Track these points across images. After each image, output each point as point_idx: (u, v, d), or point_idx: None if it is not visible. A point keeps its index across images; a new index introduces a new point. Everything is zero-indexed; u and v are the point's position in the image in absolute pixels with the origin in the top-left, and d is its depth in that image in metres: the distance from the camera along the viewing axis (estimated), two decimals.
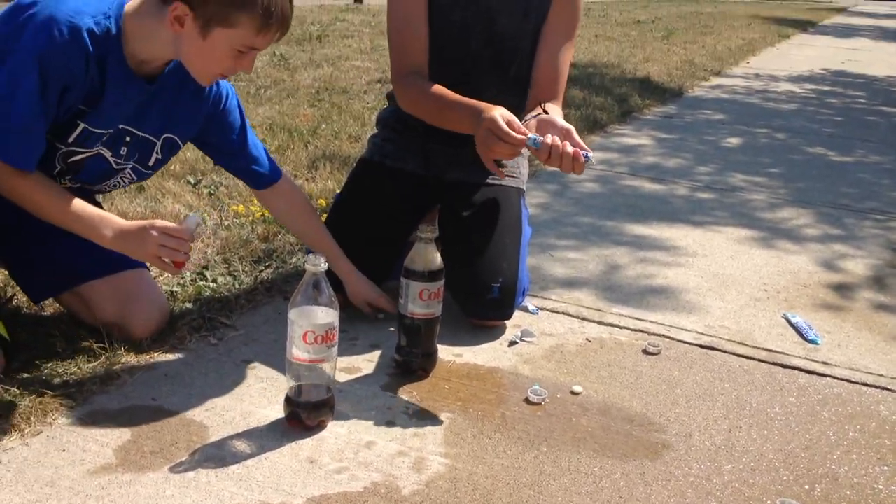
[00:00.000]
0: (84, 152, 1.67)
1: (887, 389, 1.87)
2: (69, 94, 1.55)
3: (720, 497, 1.44)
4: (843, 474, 1.53)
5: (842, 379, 1.90)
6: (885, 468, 1.56)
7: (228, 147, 1.86)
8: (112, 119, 1.65)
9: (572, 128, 1.71)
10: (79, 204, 1.61)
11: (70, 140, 1.63)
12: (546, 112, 1.80)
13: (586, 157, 1.66)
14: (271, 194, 1.94)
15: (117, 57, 1.58)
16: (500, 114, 1.72)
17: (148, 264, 1.93)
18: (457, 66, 2.05)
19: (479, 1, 2.02)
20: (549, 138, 1.67)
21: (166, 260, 1.61)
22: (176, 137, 1.79)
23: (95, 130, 1.64)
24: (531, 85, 2.05)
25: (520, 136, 1.69)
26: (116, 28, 1.56)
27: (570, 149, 1.65)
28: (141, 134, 1.72)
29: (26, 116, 1.51)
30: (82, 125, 1.62)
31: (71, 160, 1.67)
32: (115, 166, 1.74)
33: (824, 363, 1.97)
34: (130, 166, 1.77)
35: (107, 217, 1.62)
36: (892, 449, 1.63)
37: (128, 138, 1.71)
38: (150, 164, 1.80)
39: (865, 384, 1.89)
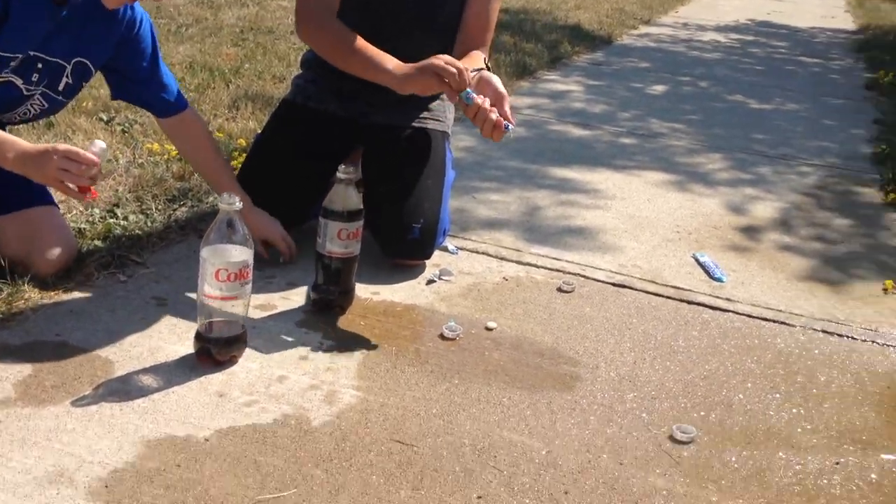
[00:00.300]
0: None
1: (785, 324, 1.95)
2: None
3: (620, 423, 1.50)
4: (737, 402, 1.61)
5: (743, 314, 1.98)
6: (777, 395, 1.65)
7: (139, 74, 1.83)
8: (20, 43, 1.60)
9: (507, 96, 1.78)
10: None
11: None
12: (489, 69, 1.82)
13: (507, 128, 1.72)
14: (176, 123, 1.91)
15: None
16: (440, 56, 1.76)
17: (57, 200, 1.88)
18: (383, 11, 2.02)
19: None
20: (480, 98, 1.73)
21: (70, 185, 1.56)
22: (87, 62, 1.75)
23: (3, 55, 1.59)
24: (459, 34, 2.04)
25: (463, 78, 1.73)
26: None
27: (494, 117, 1.72)
28: (52, 59, 1.68)
29: None
30: None
31: None
32: (25, 93, 1.70)
33: (728, 299, 2.05)
34: (40, 92, 1.72)
35: (10, 139, 1.59)
36: (785, 378, 1.71)
37: (39, 65, 1.67)
38: (60, 88, 1.75)
39: (765, 319, 1.97)
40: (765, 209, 2.73)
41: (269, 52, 4.17)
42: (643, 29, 6.71)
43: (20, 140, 1.60)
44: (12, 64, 1.62)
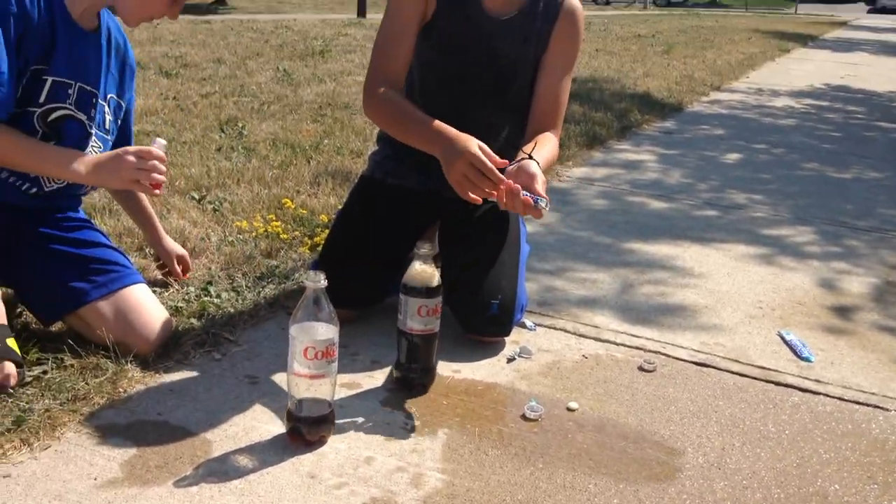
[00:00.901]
0: (60, 108, 1.75)
1: (879, 408, 1.90)
2: (25, 43, 1.64)
3: None
4: (833, 492, 1.56)
5: (834, 397, 1.93)
6: (875, 486, 1.59)
7: (125, 115, 1.99)
8: (71, 66, 1.74)
9: (538, 175, 1.75)
10: (49, 147, 1.72)
11: (41, 99, 1.72)
12: (531, 158, 1.82)
13: (535, 200, 1.70)
14: None
15: (60, 3, 1.70)
16: (479, 146, 1.73)
17: (151, 279, 1.97)
18: (456, 89, 2.09)
19: (479, 25, 2.06)
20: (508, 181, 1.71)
21: (144, 182, 1.69)
22: (118, 98, 1.91)
23: (61, 80, 1.72)
24: (531, 114, 2.08)
25: (499, 175, 1.71)
26: None
27: (522, 196, 1.69)
28: (96, 91, 1.82)
29: None
30: (49, 79, 1.71)
31: (50, 119, 1.74)
32: (88, 129, 1.82)
33: (817, 381, 2.00)
34: (95, 132, 1.85)
35: (78, 153, 1.73)
36: (882, 467, 1.66)
37: (93, 100, 1.81)
38: (107, 126, 1.89)
39: (857, 402, 1.91)
40: (851, 284, 2.67)
41: (346, 127, 4.32)
42: (714, 95, 6.72)
43: (85, 153, 1.76)
44: (70, 92, 1.75)
